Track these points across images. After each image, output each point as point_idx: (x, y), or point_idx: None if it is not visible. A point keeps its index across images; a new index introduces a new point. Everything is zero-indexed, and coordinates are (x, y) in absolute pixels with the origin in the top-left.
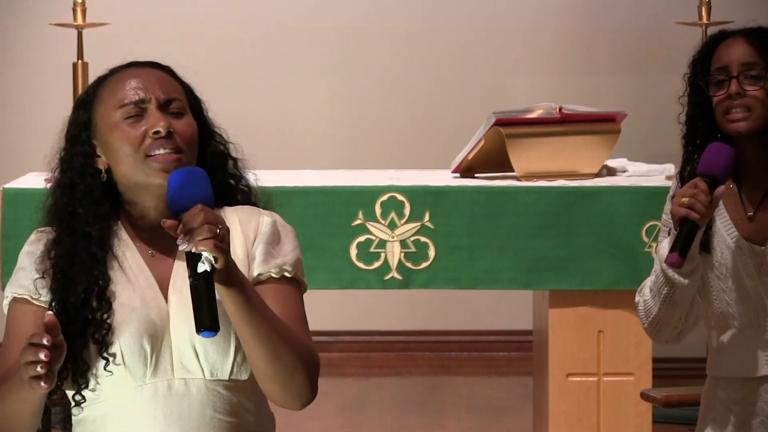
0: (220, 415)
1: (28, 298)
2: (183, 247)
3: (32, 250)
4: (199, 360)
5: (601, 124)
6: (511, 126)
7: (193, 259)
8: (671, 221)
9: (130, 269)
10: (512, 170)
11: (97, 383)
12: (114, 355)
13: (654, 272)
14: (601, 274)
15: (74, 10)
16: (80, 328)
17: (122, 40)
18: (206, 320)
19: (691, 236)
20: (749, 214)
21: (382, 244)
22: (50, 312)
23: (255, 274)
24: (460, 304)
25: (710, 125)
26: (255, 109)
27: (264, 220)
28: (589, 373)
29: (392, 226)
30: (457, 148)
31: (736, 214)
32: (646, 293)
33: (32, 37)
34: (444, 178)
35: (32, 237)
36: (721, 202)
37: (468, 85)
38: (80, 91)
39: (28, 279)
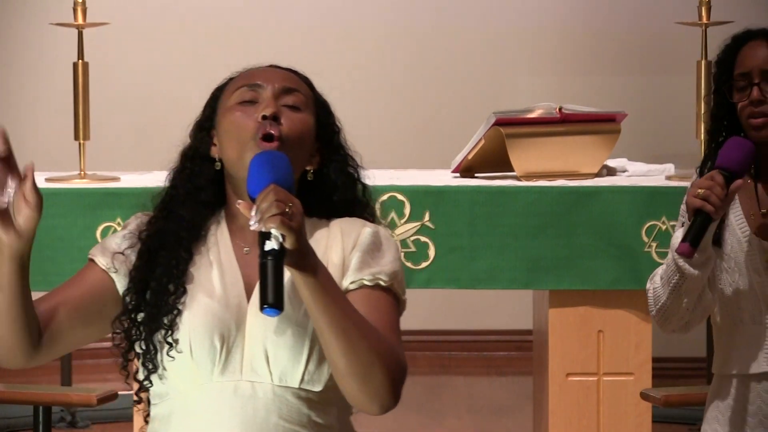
0: (285, 422)
1: (99, 263)
2: (253, 226)
3: (128, 223)
4: (269, 364)
5: (601, 124)
6: (511, 126)
7: (262, 238)
8: (687, 213)
9: (220, 262)
10: (512, 170)
11: (164, 371)
12: (177, 341)
13: (666, 261)
14: (601, 274)
15: (74, 10)
16: (155, 312)
17: (122, 40)
18: (270, 297)
19: (704, 228)
20: (763, 210)
21: None
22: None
23: (348, 281)
24: (460, 303)
25: (733, 125)
26: None
27: (365, 230)
28: (588, 373)
29: (392, 225)
30: (457, 148)
31: (749, 210)
32: (656, 281)
33: (33, 37)
34: (444, 178)
35: (130, 218)
36: (737, 196)
37: (468, 85)
38: (80, 90)
39: (108, 250)
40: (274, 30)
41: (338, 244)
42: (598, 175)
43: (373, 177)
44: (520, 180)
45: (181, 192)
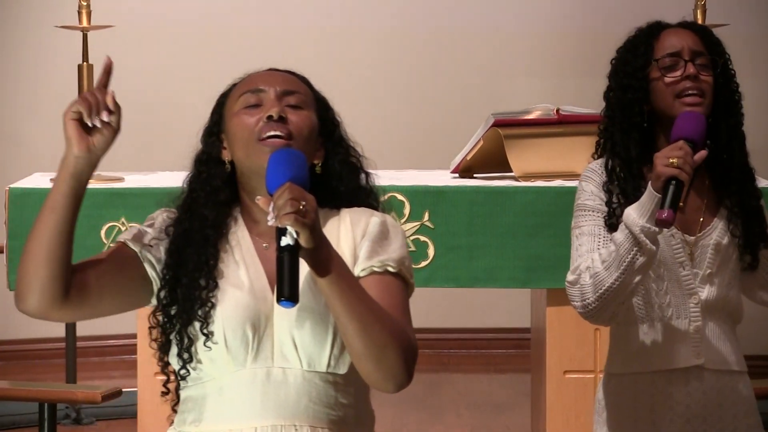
0: (315, 405)
1: (130, 246)
2: (270, 222)
3: (153, 216)
4: (298, 351)
5: (598, 125)
6: (510, 127)
7: (279, 234)
8: (599, 206)
9: (242, 258)
10: (510, 170)
11: (199, 361)
12: (212, 333)
13: (615, 241)
14: None
15: (79, 13)
16: (188, 305)
17: (127, 42)
18: (285, 290)
19: (680, 194)
20: (680, 204)
21: None
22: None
23: (359, 269)
24: (459, 302)
25: (643, 112)
26: None
27: (373, 220)
28: (585, 370)
29: None
30: (456, 149)
31: None
32: (596, 266)
33: (38, 40)
34: (443, 178)
35: (156, 212)
36: None
37: (467, 86)
38: (85, 92)
39: (137, 239)
40: (275, 32)
41: (348, 233)
42: None
43: (375, 177)
44: (519, 180)
45: (201, 195)
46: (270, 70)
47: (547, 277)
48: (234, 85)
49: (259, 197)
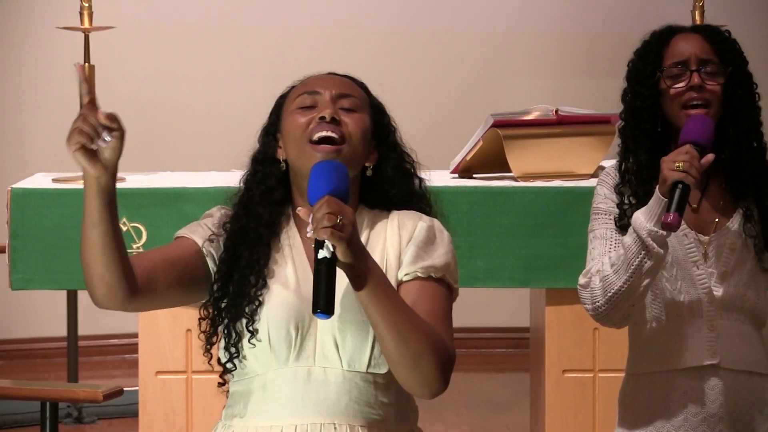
0: (355, 404)
1: (191, 238)
2: (309, 234)
3: (211, 213)
4: (338, 351)
5: (596, 126)
6: (509, 127)
7: (317, 246)
8: (612, 208)
9: (292, 258)
10: (510, 171)
11: (244, 357)
12: (257, 331)
13: (624, 245)
14: None
15: (81, 14)
16: (237, 301)
17: (128, 44)
18: (321, 303)
19: (686, 198)
20: (694, 205)
21: None
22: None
23: (402, 274)
24: (458, 301)
25: (654, 118)
26: (258, 110)
27: (420, 224)
28: (584, 370)
29: None
30: (456, 149)
31: None
32: (606, 270)
33: (40, 41)
34: (443, 178)
35: (213, 208)
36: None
37: (466, 87)
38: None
39: (197, 232)
40: (275, 32)
41: (395, 236)
42: (593, 175)
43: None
44: (518, 180)
45: (257, 193)
46: (329, 74)
47: (546, 276)
48: (293, 87)
49: (300, 208)
